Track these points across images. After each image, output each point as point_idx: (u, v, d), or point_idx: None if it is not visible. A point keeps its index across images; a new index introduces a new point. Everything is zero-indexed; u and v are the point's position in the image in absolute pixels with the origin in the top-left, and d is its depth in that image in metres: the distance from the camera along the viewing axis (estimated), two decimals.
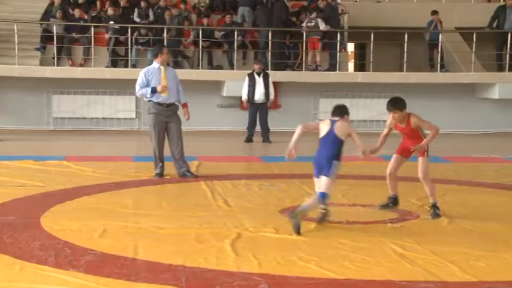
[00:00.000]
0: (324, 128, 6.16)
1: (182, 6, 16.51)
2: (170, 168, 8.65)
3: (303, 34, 15.77)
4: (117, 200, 7.03)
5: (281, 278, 4.41)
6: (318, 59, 15.78)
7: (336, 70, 15.75)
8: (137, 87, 8.53)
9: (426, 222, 6.19)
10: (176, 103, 8.65)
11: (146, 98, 8.54)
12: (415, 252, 5.07)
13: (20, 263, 4.64)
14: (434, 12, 16.44)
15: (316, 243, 5.31)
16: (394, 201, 6.70)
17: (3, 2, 16.21)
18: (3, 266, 4.58)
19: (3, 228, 5.64)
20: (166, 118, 8.48)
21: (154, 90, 8.38)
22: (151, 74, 8.46)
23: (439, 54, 16.36)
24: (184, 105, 8.74)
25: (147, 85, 8.41)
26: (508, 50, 15.93)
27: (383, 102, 17.12)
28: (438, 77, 16.11)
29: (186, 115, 8.75)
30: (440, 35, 16.35)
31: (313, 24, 15.66)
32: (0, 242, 5.21)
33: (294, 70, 15.82)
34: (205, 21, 15.96)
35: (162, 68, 8.46)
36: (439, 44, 16.31)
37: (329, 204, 6.98)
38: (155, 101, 8.45)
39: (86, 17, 15.86)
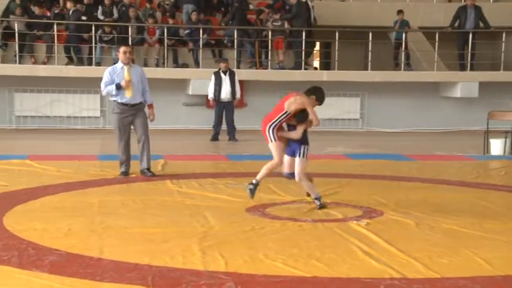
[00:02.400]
0: None
1: (148, 4, 16.40)
2: (137, 166, 8.58)
3: (261, 33, 15.85)
4: (82, 199, 6.96)
5: (248, 276, 4.42)
6: (281, 58, 15.87)
7: (301, 69, 15.83)
8: (102, 85, 8.40)
9: (391, 219, 6.26)
10: (142, 102, 8.52)
11: (112, 97, 8.40)
12: (380, 249, 5.13)
13: None
14: (400, 12, 16.66)
15: (282, 242, 5.34)
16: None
17: None
18: None
19: None
20: (131, 117, 8.38)
21: (118, 86, 8.24)
22: (115, 73, 8.36)
23: (404, 53, 16.57)
24: (150, 106, 8.60)
25: (112, 83, 8.31)
26: (469, 50, 16.22)
27: (348, 101, 17.51)
28: (402, 75, 16.31)
29: (151, 116, 8.63)
30: (405, 34, 16.56)
31: (279, 24, 15.76)
32: None
33: (256, 69, 15.87)
34: (170, 21, 15.89)
35: (125, 67, 8.32)
36: (403, 43, 16.52)
37: (293, 202, 7.04)
38: (119, 101, 8.32)
39: (48, 14, 15.64)
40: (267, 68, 15.88)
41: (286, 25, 15.73)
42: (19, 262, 4.62)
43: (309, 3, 16.31)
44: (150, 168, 8.54)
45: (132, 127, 8.50)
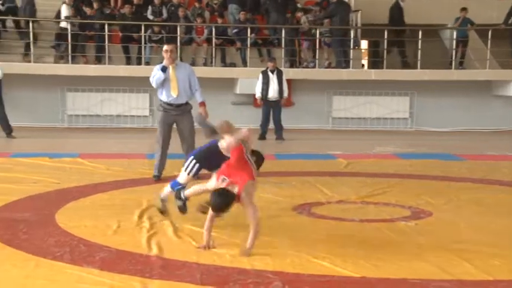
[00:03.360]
0: None
1: (197, 4, 16.53)
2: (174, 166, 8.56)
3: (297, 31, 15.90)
4: (131, 197, 7.05)
5: (295, 275, 4.41)
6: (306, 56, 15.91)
7: (344, 68, 15.71)
8: (151, 79, 8.24)
9: (440, 220, 6.16)
10: (189, 103, 8.36)
11: (160, 94, 8.33)
12: (429, 250, 5.05)
13: (35, 259, 4.68)
14: (464, 9, 16.35)
15: (330, 242, 5.31)
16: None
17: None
18: (19, 262, 4.62)
19: (19, 224, 5.69)
20: (175, 117, 8.25)
21: (164, 69, 8.09)
22: None
23: (457, 52, 16.28)
24: (201, 104, 8.34)
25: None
26: None
27: (397, 100, 17.29)
28: (452, 74, 16.03)
29: (203, 113, 8.21)
30: (465, 33, 16.29)
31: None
32: (16, 238, 5.26)
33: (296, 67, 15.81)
34: (219, 20, 15.99)
35: (170, 66, 8.16)
36: (454, 41, 16.25)
37: (340, 201, 6.99)
38: (165, 100, 8.23)
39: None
40: (314, 67, 15.83)
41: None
42: (71, 258, 4.72)
43: (400, 3, 16.17)
44: None
45: (174, 125, 8.34)
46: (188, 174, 5.91)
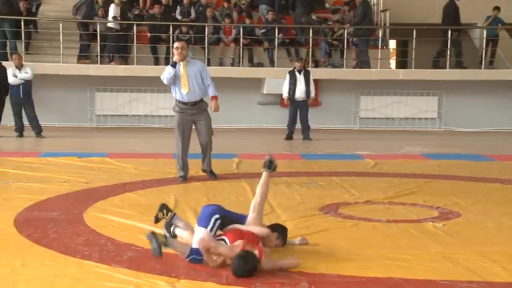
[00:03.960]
0: None
1: (225, 4, 16.58)
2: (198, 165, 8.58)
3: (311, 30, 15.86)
4: (158, 197, 7.09)
5: (321, 276, 4.40)
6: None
7: (368, 68, 15.62)
8: (162, 76, 8.18)
9: (468, 221, 6.09)
10: (204, 99, 8.25)
11: (173, 93, 8.19)
12: (457, 251, 5.00)
13: (64, 258, 4.73)
14: (496, 8, 16.13)
15: (356, 242, 5.29)
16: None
17: (48, 1, 16.54)
18: (48, 260, 4.68)
19: (48, 223, 5.77)
20: (192, 116, 8.18)
21: (174, 64, 8.04)
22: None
23: (487, 51, 16.09)
24: (213, 98, 8.18)
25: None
26: None
27: (425, 100, 17.17)
28: (482, 74, 15.85)
29: (213, 107, 8.17)
30: (494, 32, 16.12)
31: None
32: (45, 237, 5.33)
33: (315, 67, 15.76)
34: (247, 21, 16.02)
35: (181, 63, 8.05)
36: (484, 40, 16.06)
37: (367, 202, 6.95)
38: (178, 99, 8.17)
39: (128, 15, 16.04)
40: (337, 67, 15.80)
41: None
42: (99, 257, 4.76)
43: (456, 1, 16.00)
44: (211, 170, 8.39)
45: (193, 126, 8.27)
46: (210, 230, 4.81)
